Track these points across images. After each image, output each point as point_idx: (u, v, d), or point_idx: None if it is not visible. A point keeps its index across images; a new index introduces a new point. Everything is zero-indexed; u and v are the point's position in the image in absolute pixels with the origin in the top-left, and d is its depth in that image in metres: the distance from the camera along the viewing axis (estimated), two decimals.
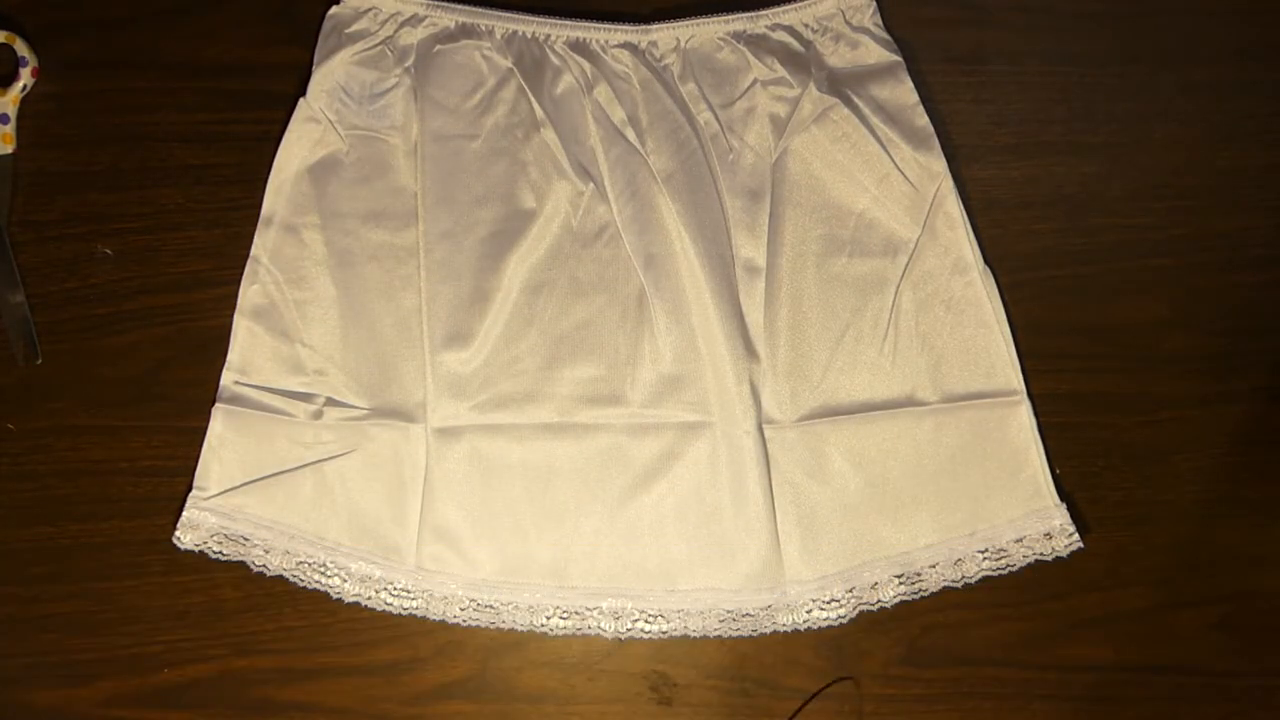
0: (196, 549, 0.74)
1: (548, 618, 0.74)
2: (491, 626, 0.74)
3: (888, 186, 0.79)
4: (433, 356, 0.76)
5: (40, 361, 0.78)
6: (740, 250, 0.78)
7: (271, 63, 0.81)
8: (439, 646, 0.75)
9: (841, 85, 0.80)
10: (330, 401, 0.76)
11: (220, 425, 0.75)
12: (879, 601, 0.75)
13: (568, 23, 0.80)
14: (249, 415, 0.75)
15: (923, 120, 0.80)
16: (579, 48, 0.80)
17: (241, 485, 0.74)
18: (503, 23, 0.80)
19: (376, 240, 0.78)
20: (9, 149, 0.80)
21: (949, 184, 0.79)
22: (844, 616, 0.74)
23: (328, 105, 0.78)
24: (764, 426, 0.76)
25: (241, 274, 0.77)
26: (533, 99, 0.79)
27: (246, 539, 0.74)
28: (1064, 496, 0.76)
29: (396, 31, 0.80)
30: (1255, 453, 0.79)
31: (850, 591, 0.75)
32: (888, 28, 0.81)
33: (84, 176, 0.80)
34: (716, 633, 0.74)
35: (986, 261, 0.78)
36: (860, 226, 0.79)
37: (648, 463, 0.75)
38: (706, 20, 0.81)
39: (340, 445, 0.75)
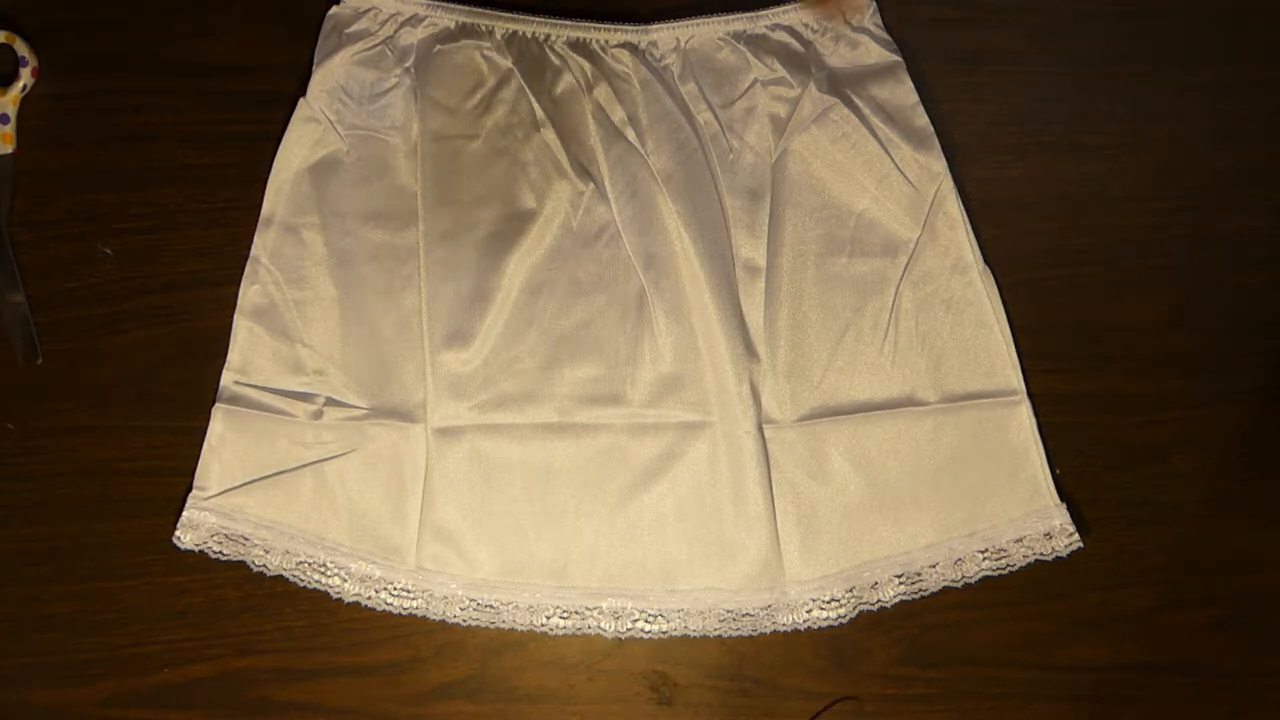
0: (196, 549, 0.74)
1: (548, 618, 0.74)
2: (491, 626, 0.74)
3: (888, 186, 0.79)
4: (433, 356, 0.76)
5: (40, 361, 0.78)
6: (740, 250, 0.78)
7: (271, 63, 0.81)
8: (439, 646, 0.75)
9: (841, 85, 0.80)
10: (330, 401, 0.76)
11: (220, 425, 0.75)
12: (879, 601, 0.75)
13: (568, 23, 0.80)
14: (249, 415, 0.75)
15: (923, 120, 0.80)
16: (579, 48, 0.80)
17: (241, 485, 0.75)
18: (503, 23, 0.80)
19: (376, 240, 0.78)
20: (9, 149, 0.80)
21: (949, 184, 0.79)
22: (844, 616, 0.74)
23: (328, 105, 0.78)
24: (764, 426, 0.76)
25: (241, 274, 0.77)
26: (533, 99, 0.79)
27: (246, 539, 0.74)
28: (1064, 496, 0.76)
29: (396, 31, 0.80)
30: (1255, 453, 0.79)
31: (850, 591, 0.75)
32: (888, 28, 0.81)
33: (84, 176, 0.80)
34: (716, 633, 0.74)
35: (986, 261, 0.78)
36: (860, 226, 0.79)
37: (648, 463, 0.75)
38: (706, 20, 0.81)
39: (340, 445, 0.75)
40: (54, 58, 0.81)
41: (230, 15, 0.83)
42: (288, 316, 0.77)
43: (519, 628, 0.74)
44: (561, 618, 0.74)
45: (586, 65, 0.80)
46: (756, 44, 0.81)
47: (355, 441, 0.75)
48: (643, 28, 0.80)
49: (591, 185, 0.78)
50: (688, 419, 0.76)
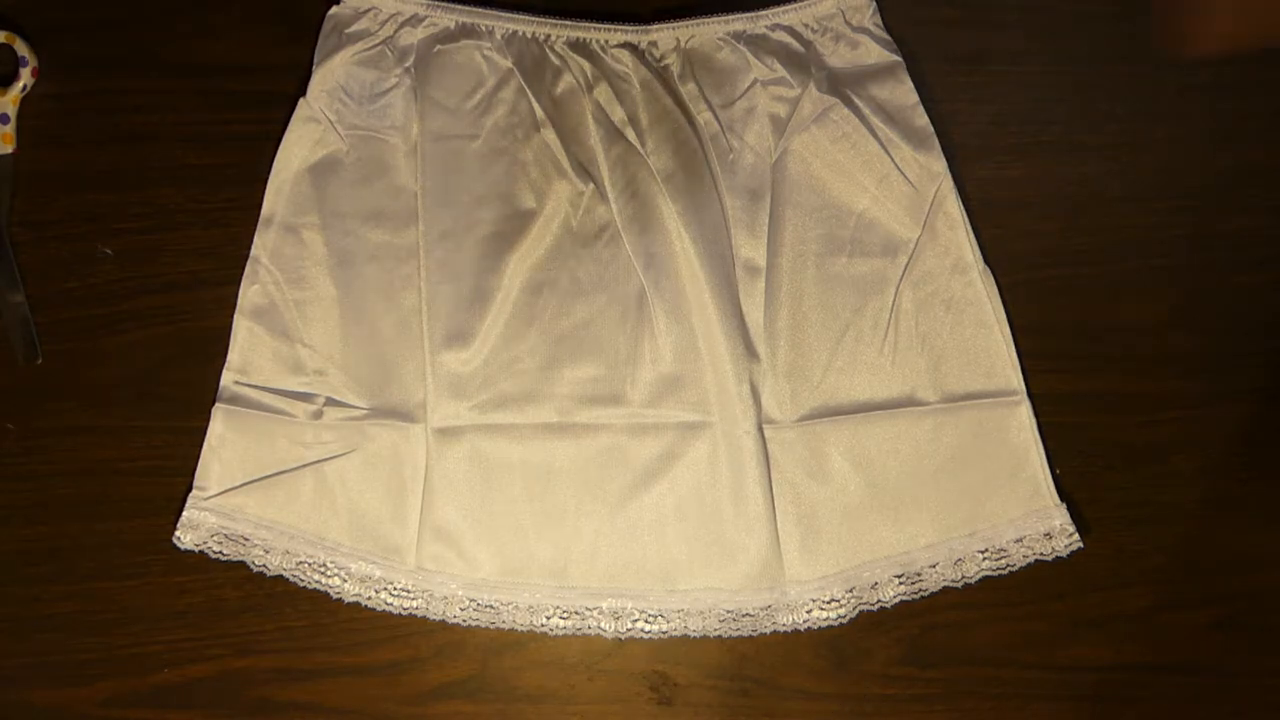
0: (196, 549, 0.74)
1: (548, 618, 0.74)
2: (491, 626, 0.74)
3: (888, 186, 0.79)
4: (433, 356, 0.76)
5: (40, 361, 0.78)
6: (740, 250, 0.78)
7: (271, 63, 0.81)
8: (439, 646, 0.75)
9: (841, 85, 0.80)
10: (330, 401, 0.76)
11: (220, 425, 0.75)
12: (879, 601, 0.75)
13: (568, 23, 0.80)
14: (249, 415, 0.75)
15: (923, 120, 0.80)
16: (579, 48, 0.80)
17: (241, 485, 0.75)
18: (503, 23, 0.80)
19: (376, 240, 0.78)
20: (9, 149, 0.80)
21: (949, 184, 0.79)
22: (844, 616, 0.74)
23: (328, 105, 0.78)
24: (764, 426, 0.76)
25: (241, 274, 0.77)
26: (533, 99, 0.79)
27: (246, 539, 0.74)
28: (1064, 496, 0.76)
29: (396, 31, 0.80)
30: (1255, 453, 0.79)
31: (850, 591, 0.75)
32: (888, 28, 0.81)
33: (84, 176, 0.80)
34: (716, 633, 0.74)
35: (986, 261, 0.78)
36: (860, 226, 0.79)
37: (648, 463, 0.75)
38: (706, 20, 0.81)
39: (340, 445, 0.75)
40: (54, 58, 0.81)
41: (230, 15, 0.83)
42: (288, 316, 0.77)
43: (519, 628, 0.74)
44: (561, 618, 0.74)
45: (586, 65, 0.80)
46: (756, 44, 0.81)
47: (355, 441, 0.75)
48: (643, 28, 0.80)
49: (591, 185, 0.78)
50: (688, 419, 0.76)
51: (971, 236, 0.78)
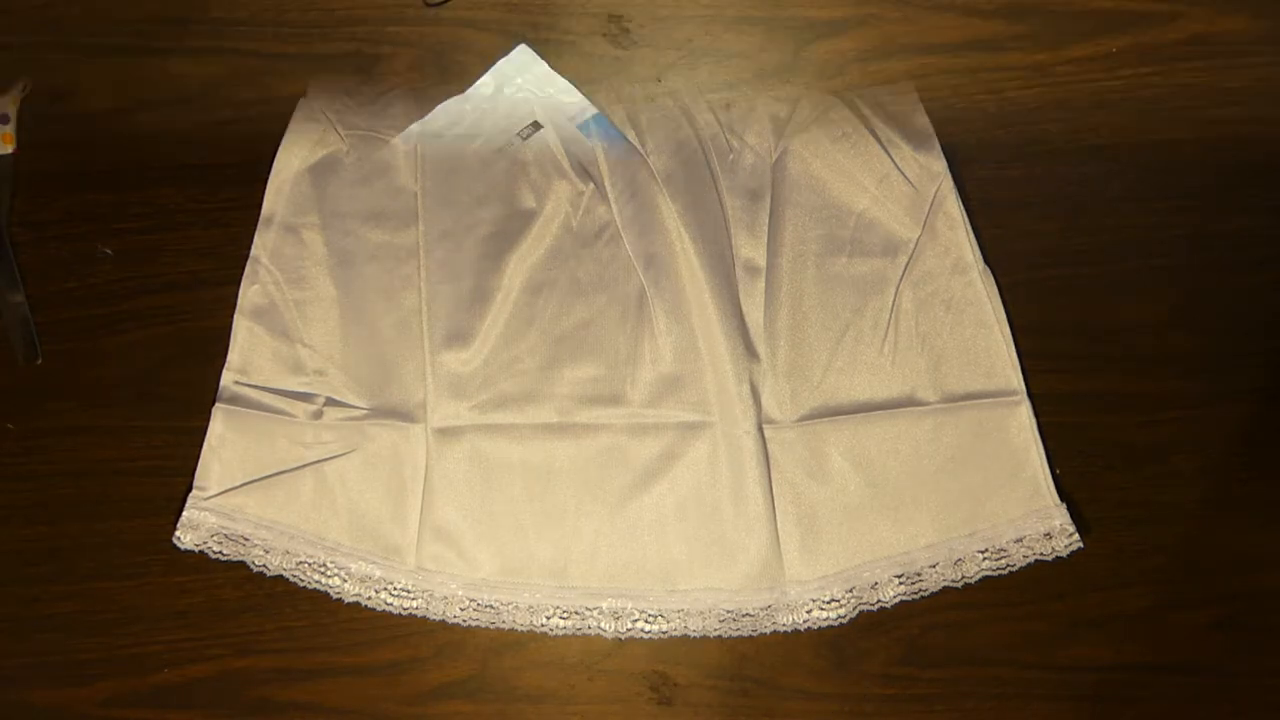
0: (196, 549, 0.74)
1: (548, 618, 0.74)
2: (491, 626, 0.74)
3: (888, 186, 0.79)
4: (433, 356, 0.76)
5: (40, 361, 0.78)
6: (740, 250, 0.78)
7: (271, 63, 0.81)
8: (439, 646, 0.75)
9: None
10: (330, 401, 0.76)
11: (220, 425, 0.75)
12: (879, 601, 0.75)
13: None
14: (249, 415, 0.75)
15: (923, 120, 0.80)
16: None
17: (241, 485, 0.75)
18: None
19: (376, 240, 0.78)
20: (9, 149, 0.80)
21: (949, 184, 0.79)
22: (844, 616, 0.74)
23: (328, 105, 0.78)
24: (764, 426, 0.76)
25: (241, 274, 0.77)
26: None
27: (246, 539, 0.74)
28: (1064, 496, 0.76)
29: None
30: (1255, 453, 0.79)
31: (850, 591, 0.75)
32: None
33: (84, 176, 0.80)
34: (716, 633, 0.74)
35: (986, 261, 0.78)
36: (860, 226, 0.79)
37: (648, 463, 0.75)
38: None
39: (340, 445, 0.75)
40: (54, 57, 0.81)
41: (231, 15, 0.83)
42: (288, 316, 0.77)
43: (519, 628, 0.74)
44: (561, 618, 0.74)
45: None
46: None
47: (355, 441, 0.75)
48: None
49: (591, 185, 0.78)
50: (688, 419, 0.76)
51: (971, 236, 0.78)
